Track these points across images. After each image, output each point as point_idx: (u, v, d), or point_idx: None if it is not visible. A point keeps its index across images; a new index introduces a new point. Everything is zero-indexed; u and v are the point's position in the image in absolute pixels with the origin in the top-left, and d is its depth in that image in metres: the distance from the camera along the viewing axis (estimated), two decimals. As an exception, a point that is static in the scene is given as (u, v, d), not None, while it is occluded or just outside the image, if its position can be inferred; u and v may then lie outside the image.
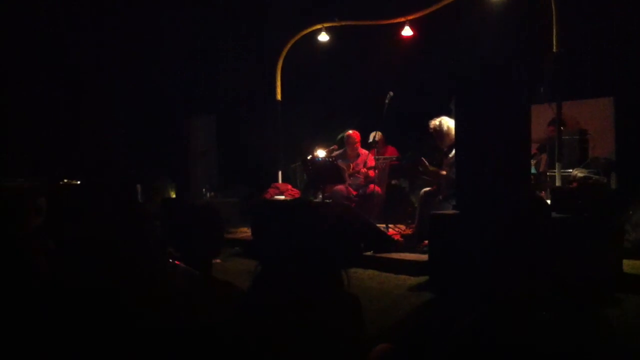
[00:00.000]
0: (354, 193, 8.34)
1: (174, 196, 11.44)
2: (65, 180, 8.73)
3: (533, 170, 7.26)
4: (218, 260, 6.06)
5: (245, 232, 8.74)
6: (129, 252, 2.00)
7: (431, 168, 7.16)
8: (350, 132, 8.67)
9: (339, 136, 9.14)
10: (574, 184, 6.25)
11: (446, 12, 8.48)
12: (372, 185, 8.24)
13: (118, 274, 1.91)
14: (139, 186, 9.86)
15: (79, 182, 8.95)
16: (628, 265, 5.81)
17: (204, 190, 10.45)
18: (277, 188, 9.13)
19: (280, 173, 9.95)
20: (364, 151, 8.64)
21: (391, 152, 9.33)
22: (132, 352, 1.83)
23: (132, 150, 11.16)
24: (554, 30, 6.54)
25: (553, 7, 6.57)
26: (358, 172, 8.44)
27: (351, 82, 10.50)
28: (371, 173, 8.38)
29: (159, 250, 2.15)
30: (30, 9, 10.84)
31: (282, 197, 8.77)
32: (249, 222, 8.90)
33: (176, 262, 2.40)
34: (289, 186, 9.29)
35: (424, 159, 7.22)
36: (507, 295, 1.83)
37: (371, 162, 8.46)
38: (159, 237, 2.37)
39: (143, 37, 11.60)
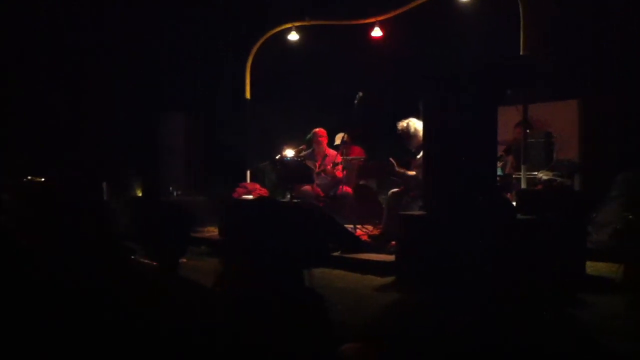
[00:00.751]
0: (322, 194, 8.34)
1: (140, 194, 11.33)
2: (29, 177, 8.59)
3: (500, 172, 7.34)
4: (184, 260, 6.00)
5: (213, 231, 8.68)
6: (89, 248, 1.97)
7: (399, 169, 7.20)
8: (317, 129, 8.70)
9: (307, 136, 9.13)
10: (539, 186, 6.34)
11: (416, 13, 8.52)
12: (342, 187, 8.24)
13: (79, 271, 1.89)
14: (104, 184, 9.74)
15: (42, 179, 8.80)
16: (590, 266, 5.90)
17: (171, 188, 10.35)
18: (246, 187, 9.08)
19: (248, 172, 9.91)
20: (332, 151, 8.65)
21: (358, 153, 9.34)
22: (98, 351, 1.81)
23: (98, 147, 11.02)
24: (522, 32, 6.62)
25: (521, 11, 6.65)
26: (324, 170, 8.44)
27: (321, 82, 10.51)
28: (338, 174, 8.37)
29: (119, 247, 2.12)
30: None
31: (250, 197, 8.73)
32: (216, 221, 8.84)
33: (140, 259, 2.38)
34: (258, 186, 9.25)
35: (392, 160, 7.25)
36: (474, 294, 1.84)
37: (338, 159, 8.47)
38: (120, 234, 2.34)
39: (111, 31, 11.46)
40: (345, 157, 8.65)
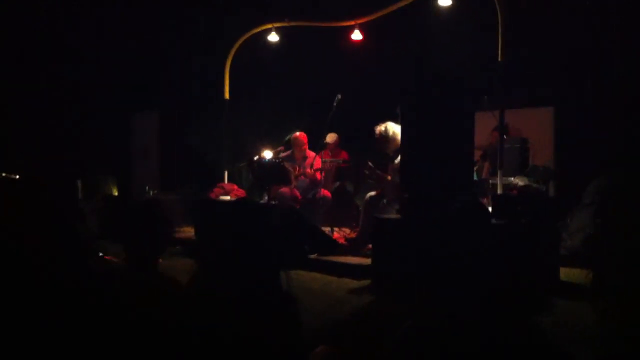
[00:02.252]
0: (300, 197, 8.32)
1: (115, 193, 11.24)
2: (4, 174, 8.48)
3: (475, 177, 7.40)
4: (159, 260, 5.94)
5: (188, 231, 8.63)
6: (60, 247, 1.95)
7: (378, 172, 7.22)
8: (297, 133, 8.64)
9: (287, 138, 9.11)
10: (514, 191, 6.40)
11: (396, 17, 8.56)
12: (321, 189, 8.22)
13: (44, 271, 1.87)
14: (79, 182, 9.65)
15: (17, 177, 8.69)
16: (564, 272, 5.95)
17: (146, 187, 10.27)
18: (223, 188, 9.05)
19: (226, 173, 9.87)
20: (311, 153, 8.60)
21: (343, 156, 9.37)
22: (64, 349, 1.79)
23: (73, 145, 10.91)
24: (500, 40, 6.67)
25: (499, 18, 6.71)
26: (303, 173, 8.42)
27: (301, 83, 10.50)
28: (317, 175, 8.35)
29: (88, 246, 2.10)
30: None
31: (228, 197, 8.70)
32: (191, 221, 8.78)
33: (106, 257, 2.35)
34: (235, 186, 9.22)
35: (370, 163, 7.27)
36: (447, 298, 1.85)
37: (317, 164, 8.43)
38: (91, 233, 2.32)
39: (86, 27, 11.36)
40: (324, 159, 8.63)
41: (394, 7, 8.32)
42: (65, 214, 2.16)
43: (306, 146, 8.62)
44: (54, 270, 1.93)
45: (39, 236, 2.01)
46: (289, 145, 8.90)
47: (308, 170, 8.37)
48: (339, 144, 9.38)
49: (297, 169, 8.45)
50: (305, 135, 8.64)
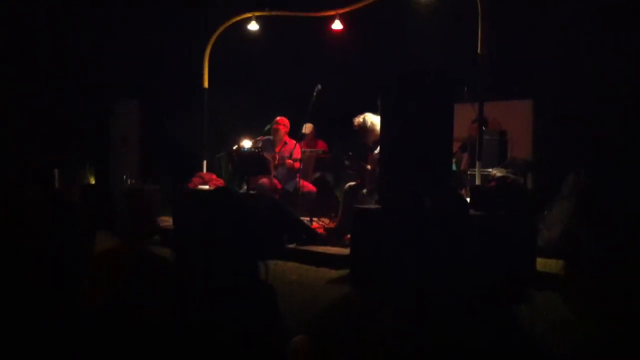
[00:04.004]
0: (279, 186, 8.28)
1: (93, 182, 11.13)
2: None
3: (455, 168, 7.43)
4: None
5: (166, 220, 8.57)
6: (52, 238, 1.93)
7: (358, 162, 7.24)
8: (279, 117, 8.59)
9: (266, 128, 9.07)
10: (493, 183, 6.43)
11: (377, 8, 8.55)
12: (305, 183, 8.17)
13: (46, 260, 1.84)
14: (56, 171, 9.54)
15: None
16: (541, 263, 6.01)
17: (124, 177, 10.17)
18: (202, 177, 8.99)
19: (205, 162, 9.81)
20: (292, 140, 8.55)
21: (321, 146, 9.35)
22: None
23: (50, 134, 10.78)
24: (479, 32, 6.69)
25: (479, 9, 6.72)
26: (282, 164, 8.37)
27: (281, 73, 10.45)
28: (296, 164, 8.29)
29: (84, 235, 2.07)
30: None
31: (206, 187, 8.65)
32: (170, 211, 8.72)
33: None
34: (214, 176, 9.17)
35: (351, 153, 7.29)
36: (425, 290, 1.85)
37: (297, 154, 8.40)
38: (86, 222, 2.28)
39: (64, 14, 11.20)
40: (303, 150, 8.60)
41: (375, -2, 8.31)
42: (65, 209, 2.13)
43: (283, 128, 8.53)
44: (54, 268, 1.91)
45: (39, 236, 1.98)
46: (268, 135, 8.85)
47: (288, 160, 8.31)
48: (315, 134, 9.37)
49: (277, 157, 8.40)
50: (285, 119, 8.57)
